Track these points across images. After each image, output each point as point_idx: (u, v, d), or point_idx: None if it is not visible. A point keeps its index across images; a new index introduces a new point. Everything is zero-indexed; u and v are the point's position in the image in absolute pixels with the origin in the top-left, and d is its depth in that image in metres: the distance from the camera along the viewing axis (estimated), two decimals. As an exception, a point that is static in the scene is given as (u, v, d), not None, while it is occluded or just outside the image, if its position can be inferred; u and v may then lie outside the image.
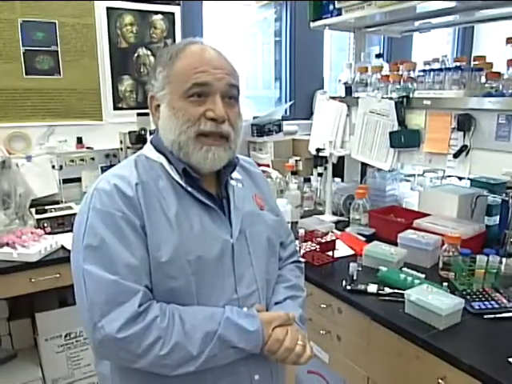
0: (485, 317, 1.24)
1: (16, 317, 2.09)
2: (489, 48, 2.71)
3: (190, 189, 0.95)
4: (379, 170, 2.21)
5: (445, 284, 1.39)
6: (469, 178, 2.08)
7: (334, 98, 2.18)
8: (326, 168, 2.16)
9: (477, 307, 1.28)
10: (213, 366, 0.90)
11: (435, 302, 1.21)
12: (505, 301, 1.30)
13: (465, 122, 1.61)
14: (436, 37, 4.07)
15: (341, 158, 2.30)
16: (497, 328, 1.20)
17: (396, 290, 1.38)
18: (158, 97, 0.96)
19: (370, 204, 2.13)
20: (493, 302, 1.30)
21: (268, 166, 2.48)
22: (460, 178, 2.21)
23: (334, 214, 2.22)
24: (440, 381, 1.13)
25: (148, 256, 0.89)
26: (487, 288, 1.39)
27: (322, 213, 2.22)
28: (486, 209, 1.87)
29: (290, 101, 3.10)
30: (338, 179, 2.43)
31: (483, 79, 1.68)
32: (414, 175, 2.48)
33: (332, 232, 1.87)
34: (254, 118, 2.75)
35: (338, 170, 2.43)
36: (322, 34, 3.13)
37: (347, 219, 2.09)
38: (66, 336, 2.02)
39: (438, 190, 1.95)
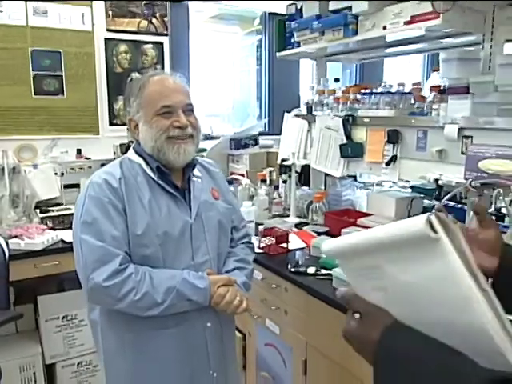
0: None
1: (20, 302, 2.39)
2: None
3: (160, 182, 1.30)
4: (340, 178, 2.56)
5: (370, 266, 1.73)
6: (412, 186, 2.44)
7: (297, 115, 2.53)
8: (290, 176, 2.51)
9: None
10: (175, 313, 1.25)
11: (353, 275, 1.55)
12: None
13: (394, 136, 1.96)
14: (410, 60, 4.44)
15: (307, 168, 2.65)
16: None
17: (330, 272, 1.72)
18: (135, 118, 1.31)
19: (329, 207, 2.49)
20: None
21: (243, 175, 2.83)
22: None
23: (299, 216, 2.56)
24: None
25: (127, 230, 1.23)
26: (404, 269, 1.73)
27: (288, 216, 2.57)
28: (422, 211, 2.23)
29: (268, 118, 3.48)
30: (305, 187, 2.77)
31: (413, 101, 2.04)
32: (372, 183, 2.84)
33: (291, 230, 2.22)
34: (235, 133, 3.11)
35: (306, 179, 2.78)
36: (298, 60, 3.51)
37: (309, 221, 2.43)
38: (63, 318, 2.32)
39: (381, 194, 2.30)
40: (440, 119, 1.74)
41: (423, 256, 0.56)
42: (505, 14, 1.71)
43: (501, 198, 1.52)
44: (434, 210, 0.68)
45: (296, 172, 2.54)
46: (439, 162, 1.77)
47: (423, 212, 2.19)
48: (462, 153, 1.66)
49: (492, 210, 2.08)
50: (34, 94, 2.57)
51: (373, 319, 0.63)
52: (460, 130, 1.66)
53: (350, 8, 1.95)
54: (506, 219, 1.83)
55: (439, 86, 1.89)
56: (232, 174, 2.89)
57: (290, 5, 2.36)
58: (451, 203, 2.05)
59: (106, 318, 1.29)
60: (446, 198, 1.73)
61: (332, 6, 2.04)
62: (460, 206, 2.00)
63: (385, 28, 1.83)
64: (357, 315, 0.66)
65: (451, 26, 1.64)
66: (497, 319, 0.54)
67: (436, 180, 1.78)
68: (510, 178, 1.46)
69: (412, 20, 1.71)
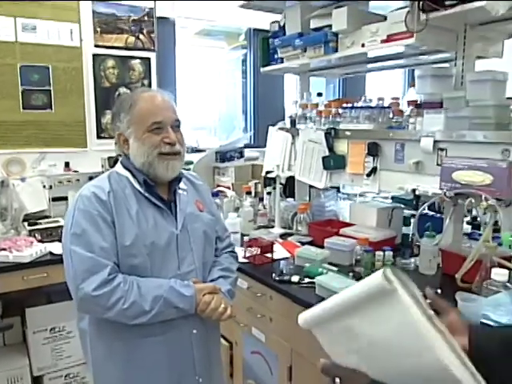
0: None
1: (7, 315, 2.40)
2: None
3: (147, 194, 1.35)
4: (324, 189, 2.63)
5: (351, 274, 1.80)
6: (392, 197, 2.52)
7: (281, 129, 2.61)
8: (274, 188, 2.57)
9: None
10: (162, 321, 1.29)
11: (334, 283, 1.61)
12: (393, 284, 1.71)
13: (374, 149, 2.03)
14: (391, 74, 4.56)
15: (292, 180, 2.71)
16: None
17: (313, 280, 1.77)
18: (126, 134, 1.36)
19: (313, 218, 2.56)
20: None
21: (228, 187, 2.89)
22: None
23: (284, 227, 2.62)
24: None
25: (116, 241, 1.27)
26: (384, 277, 1.79)
27: (273, 227, 2.63)
28: (403, 220, 2.30)
29: (254, 130, 3.55)
30: (290, 199, 2.84)
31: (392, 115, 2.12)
32: (355, 194, 2.92)
33: (276, 240, 2.28)
34: (221, 146, 3.17)
35: (290, 191, 2.84)
36: (283, 75, 3.60)
37: (293, 231, 2.50)
38: (51, 330, 2.34)
39: (363, 205, 2.38)
40: (416, 132, 1.83)
41: (384, 309, 0.61)
42: (476, 32, 1.81)
43: (477, 207, 1.60)
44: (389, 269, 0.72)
45: (281, 184, 2.60)
46: (416, 174, 1.85)
47: (404, 222, 2.28)
48: (438, 164, 1.74)
49: (468, 219, 2.18)
50: (23, 108, 2.61)
51: (351, 383, 0.69)
52: (435, 142, 1.74)
53: (330, 26, 2.04)
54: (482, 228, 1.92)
55: (416, 101, 1.98)
56: (218, 186, 2.95)
57: (273, 22, 2.45)
58: (430, 212, 2.14)
59: (95, 326, 1.33)
60: (423, 207, 1.82)
61: (313, 24, 2.13)
62: (438, 215, 2.09)
63: (363, 46, 1.92)
64: (337, 380, 0.71)
65: (425, 44, 1.74)
66: (456, 357, 0.59)
67: (413, 190, 1.85)
68: (480, 188, 1.54)
69: (388, 39, 1.80)
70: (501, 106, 1.60)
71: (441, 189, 1.68)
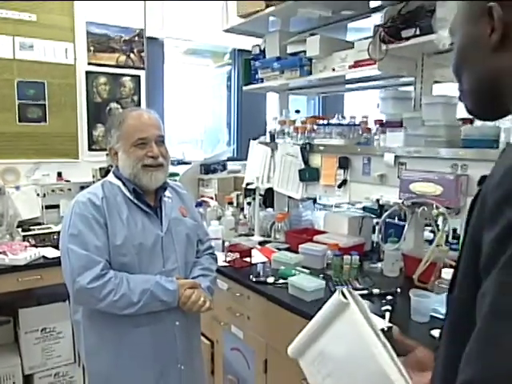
0: (341, 294, 1.83)
1: (0, 315, 2.54)
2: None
3: (136, 201, 1.53)
4: (301, 200, 2.82)
5: (321, 276, 1.98)
6: (364, 207, 2.72)
7: (261, 143, 2.80)
8: (254, 198, 2.75)
9: (336, 288, 1.86)
10: (148, 313, 1.46)
11: (304, 283, 1.79)
12: (357, 284, 1.90)
13: (344, 162, 2.23)
14: (368, 93, 4.79)
15: (271, 191, 2.90)
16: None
17: (286, 280, 1.95)
18: (115, 147, 1.54)
19: (290, 226, 2.74)
20: (348, 286, 1.89)
21: (212, 198, 3.07)
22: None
23: (263, 235, 2.79)
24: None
25: (108, 241, 1.44)
26: (350, 278, 1.98)
27: (253, 235, 2.80)
28: (372, 228, 2.50)
29: (236, 144, 3.75)
30: (270, 209, 3.02)
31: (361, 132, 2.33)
32: (331, 205, 3.11)
33: (254, 246, 2.45)
34: (205, 159, 3.36)
35: (270, 201, 3.03)
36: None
37: (272, 239, 2.68)
38: (42, 330, 2.46)
39: (336, 214, 2.57)
40: (381, 148, 2.03)
41: (342, 324, 0.72)
42: (432, 60, 2.03)
43: (430, 215, 1.80)
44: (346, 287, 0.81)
45: (260, 195, 2.78)
46: (381, 185, 2.05)
47: (374, 230, 2.47)
48: (398, 177, 1.95)
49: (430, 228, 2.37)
50: (19, 121, 2.76)
51: None
52: (396, 157, 1.95)
53: (305, 52, 2.25)
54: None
55: (381, 120, 2.20)
56: (202, 196, 3.12)
57: (254, 46, 2.66)
58: (395, 220, 2.34)
59: (88, 318, 1.49)
60: (384, 215, 2.02)
61: (290, 49, 2.34)
62: (402, 223, 2.28)
63: (334, 70, 2.13)
64: None
65: (386, 70, 1.95)
66: (394, 365, 0.68)
67: (377, 200, 2.06)
68: (432, 197, 1.74)
69: (355, 64, 2.01)
70: (451, 126, 1.81)
71: (400, 198, 1.89)
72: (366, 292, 1.81)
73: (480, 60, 0.63)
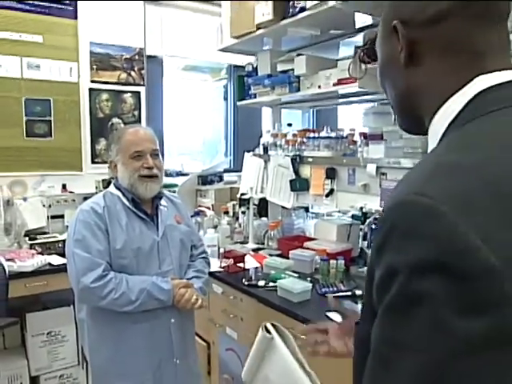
0: (326, 295, 1.96)
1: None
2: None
3: (134, 209, 1.68)
4: (294, 209, 2.96)
5: (309, 279, 2.11)
6: (352, 215, 2.85)
7: (255, 155, 2.95)
8: (248, 208, 2.90)
9: (322, 290, 1.99)
10: (145, 310, 1.60)
11: (292, 285, 1.93)
12: (342, 287, 2.03)
13: (331, 173, 2.38)
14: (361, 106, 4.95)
15: (265, 201, 3.04)
16: (331, 301, 1.92)
17: (275, 284, 2.08)
18: (115, 160, 1.70)
19: (283, 234, 2.88)
20: (334, 288, 2.02)
21: (209, 208, 3.21)
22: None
23: (257, 243, 2.92)
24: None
25: (109, 245, 1.59)
26: (336, 281, 2.12)
27: (247, 242, 2.94)
28: (360, 235, 2.63)
29: (233, 156, 3.90)
30: (264, 218, 3.16)
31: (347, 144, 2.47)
32: (323, 214, 3.25)
33: (248, 253, 2.59)
34: (202, 170, 3.51)
35: (264, 211, 3.16)
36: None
37: (265, 246, 2.81)
38: (47, 333, 2.60)
39: (325, 222, 2.71)
40: (364, 159, 2.18)
41: (273, 355, 0.84)
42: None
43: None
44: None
45: (254, 204, 2.93)
46: (364, 194, 2.20)
47: (364, 235, 2.60)
48: (380, 186, 2.09)
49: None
50: (26, 136, 2.92)
51: None
52: (377, 168, 2.09)
53: (293, 70, 2.41)
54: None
55: (365, 133, 2.34)
56: (200, 206, 3.27)
57: (247, 64, 2.82)
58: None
59: (91, 316, 1.64)
60: (367, 222, 2.15)
61: (280, 67, 2.50)
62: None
63: (319, 87, 2.28)
64: None
65: (367, 88, 2.09)
66: None
67: (361, 208, 2.20)
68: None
69: (339, 82, 2.17)
70: (426, 138, 1.96)
71: (380, 207, 2.03)
72: (349, 294, 1.95)
73: (396, 76, 0.65)
